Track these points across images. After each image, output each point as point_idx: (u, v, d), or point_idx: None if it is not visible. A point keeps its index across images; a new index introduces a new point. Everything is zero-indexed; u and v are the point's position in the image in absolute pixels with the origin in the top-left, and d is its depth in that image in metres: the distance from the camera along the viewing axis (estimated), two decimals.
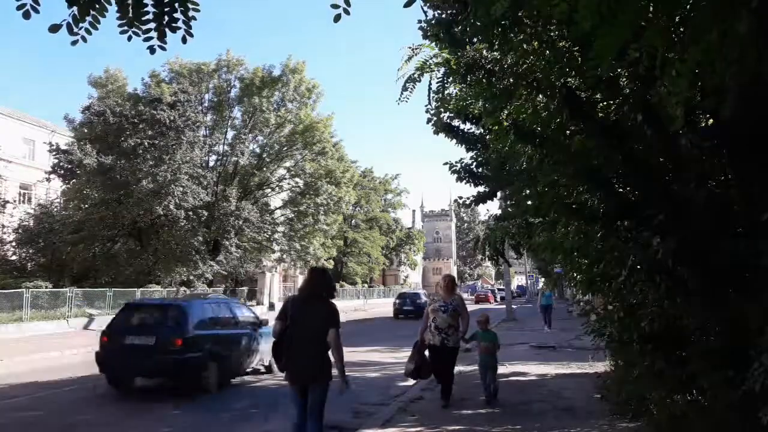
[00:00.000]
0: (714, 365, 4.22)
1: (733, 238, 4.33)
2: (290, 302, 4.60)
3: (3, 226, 27.04)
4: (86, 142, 25.71)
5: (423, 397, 7.77)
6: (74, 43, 2.90)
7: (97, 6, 2.82)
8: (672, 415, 5.16)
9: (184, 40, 3.06)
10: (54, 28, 2.77)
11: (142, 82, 31.84)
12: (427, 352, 7.07)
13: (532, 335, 16.84)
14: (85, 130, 27.17)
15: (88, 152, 24.66)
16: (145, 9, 2.89)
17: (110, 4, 2.87)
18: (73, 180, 26.78)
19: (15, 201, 28.03)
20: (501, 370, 10.43)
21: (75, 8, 2.77)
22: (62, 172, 26.12)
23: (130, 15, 2.88)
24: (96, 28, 2.91)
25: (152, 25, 2.93)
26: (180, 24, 2.99)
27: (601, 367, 8.82)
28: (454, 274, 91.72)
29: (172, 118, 25.92)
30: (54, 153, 25.74)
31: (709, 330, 4.60)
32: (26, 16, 2.73)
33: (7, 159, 31.65)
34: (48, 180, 26.76)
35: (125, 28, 2.95)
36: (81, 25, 2.84)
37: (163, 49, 3.03)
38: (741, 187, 4.33)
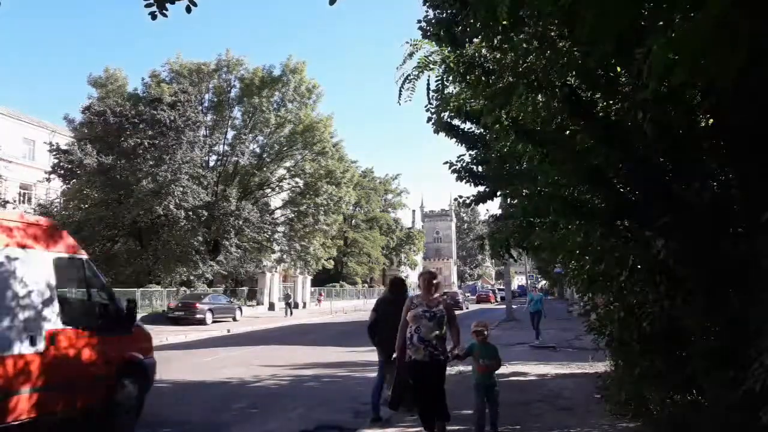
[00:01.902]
0: (714, 365, 4.22)
1: (733, 238, 4.34)
2: (381, 301, 6.82)
3: None
4: (86, 142, 25.71)
5: None
6: None
7: None
8: (672, 415, 5.16)
9: (188, 10, 3.09)
10: None
11: (142, 82, 31.93)
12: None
13: (532, 335, 16.83)
14: (85, 130, 27.18)
15: (88, 152, 24.66)
16: None
17: None
18: (73, 180, 26.78)
19: (15, 201, 27.99)
20: (501, 370, 10.43)
21: None
22: (62, 172, 26.11)
23: None
24: None
25: None
26: None
27: (601, 367, 8.82)
28: (454, 274, 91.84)
29: (172, 118, 25.92)
30: (54, 153, 25.72)
31: (710, 330, 4.60)
32: None
33: (7, 159, 31.65)
34: (48, 180, 26.74)
35: None
36: None
37: (164, 15, 3.05)
38: (741, 187, 4.33)
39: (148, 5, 3.03)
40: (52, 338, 5.40)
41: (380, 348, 6.59)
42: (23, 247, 5.38)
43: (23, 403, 5.09)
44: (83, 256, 6.39)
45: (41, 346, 5.27)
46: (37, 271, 5.47)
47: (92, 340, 5.94)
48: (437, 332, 5.10)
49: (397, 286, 6.96)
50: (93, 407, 5.95)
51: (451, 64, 5.25)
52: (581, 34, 2.99)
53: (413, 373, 5.14)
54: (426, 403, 5.18)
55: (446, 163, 7.54)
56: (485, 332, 5.78)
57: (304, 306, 40.29)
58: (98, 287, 6.58)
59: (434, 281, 5.38)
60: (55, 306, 5.59)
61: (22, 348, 5.09)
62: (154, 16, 3.14)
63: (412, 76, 5.65)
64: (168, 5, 3.05)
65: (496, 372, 5.88)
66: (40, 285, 5.45)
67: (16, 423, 5.05)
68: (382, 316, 6.49)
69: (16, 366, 5.03)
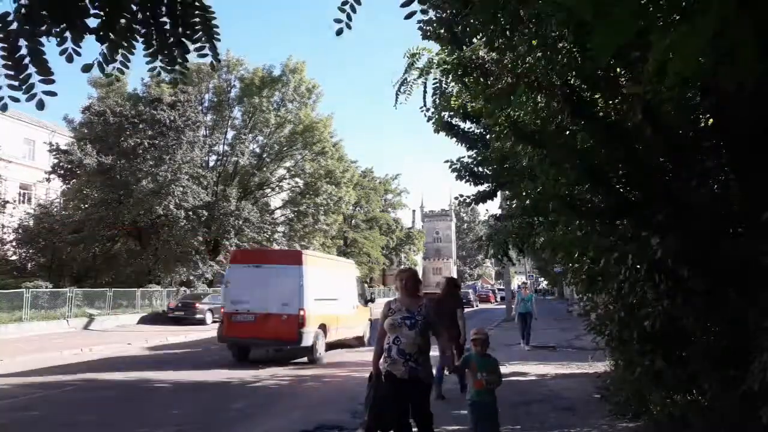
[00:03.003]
0: (714, 365, 4.22)
1: (733, 238, 4.34)
2: (436, 301, 7.89)
3: (3, 226, 27.03)
4: (86, 142, 25.68)
5: None
6: (107, 76, 3.09)
7: (125, 44, 2.93)
8: (672, 415, 5.16)
9: (213, 67, 3.22)
10: (86, 68, 2.90)
11: (142, 82, 31.85)
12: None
13: (532, 335, 16.81)
14: (85, 130, 27.15)
15: (88, 152, 24.65)
16: (169, 41, 3.01)
17: (136, 41, 2.97)
18: (73, 180, 26.77)
19: (15, 201, 27.98)
20: (500, 369, 10.42)
21: (105, 46, 2.87)
22: (62, 172, 26.10)
23: (155, 47, 3.00)
24: (127, 67, 3.02)
25: (175, 54, 3.06)
26: (207, 50, 3.12)
27: (601, 367, 8.83)
28: (454, 274, 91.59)
29: (172, 118, 25.92)
30: (54, 153, 25.70)
31: (710, 330, 4.60)
32: (69, 59, 2.83)
33: (7, 159, 31.64)
34: (48, 180, 26.73)
35: (150, 59, 3.06)
36: (112, 65, 2.98)
37: (184, 80, 3.15)
38: (741, 187, 4.33)
39: (171, 71, 3.14)
40: (355, 307, 14.39)
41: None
42: (350, 272, 15.44)
43: (348, 332, 13.94)
44: (359, 273, 16.98)
45: (353, 310, 14.30)
46: (353, 281, 15.02)
47: (363, 308, 15.15)
48: (421, 343, 4.18)
49: (450, 284, 8.66)
50: (361, 337, 14.75)
51: (449, 67, 5.27)
52: (583, 40, 2.99)
53: (386, 386, 4.18)
54: (388, 422, 4.22)
55: (447, 161, 7.57)
56: (485, 341, 4.81)
57: None
58: (362, 285, 16.22)
59: (416, 281, 4.45)
60: (356, 293, 14.81)
61: (350, 311, 13.98)
62: (175, 84, 3.21)
63: (410, 79, 5.68)
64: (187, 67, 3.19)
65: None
66: (354, 286, 14.93)
67: (341, 341, 13.64)
68: (438, 313, 7.16)
69: (349, 318, 13.86)
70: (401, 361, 4.12)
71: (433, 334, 4.30)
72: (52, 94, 2.68)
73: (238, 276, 11.98)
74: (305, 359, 11.99)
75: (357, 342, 14.66)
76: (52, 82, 2.66)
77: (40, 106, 2.63)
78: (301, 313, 11.15)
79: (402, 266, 68.24)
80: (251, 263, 12.19)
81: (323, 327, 12.08)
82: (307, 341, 11.38)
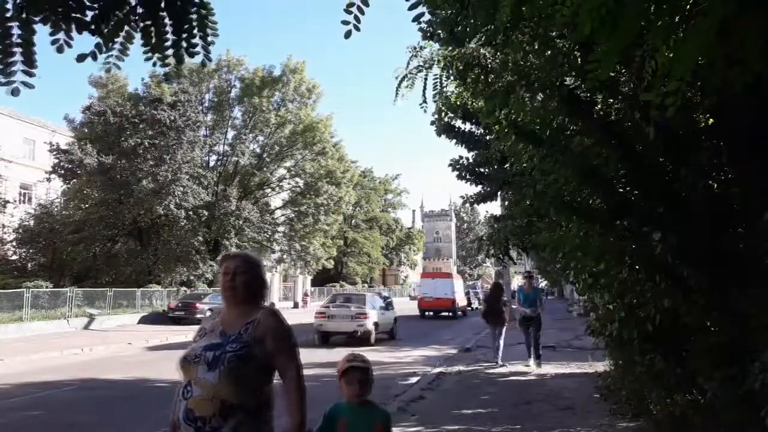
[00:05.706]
0: (714, 364, 4.23)
1: (733, 238, 4.34)
2: (486, 298, 12.57)
3: (3, 226, 27.03)
4: (87, 142, 25.67)
5: (424, 396, 7.78)
6: (108, 71, 3.05)
7: (121, 34, 2.91)
8: (672, 415, 5.17)
9: (203, 65, 3.25)
10: (81, 58, 2.87)
11: (142, 82, 31.78)
12: None
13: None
14: (86, 130, 27.15)
15: (89, 152, 24.64)
16: (166, 36, 2.97)
17: (135, 32, 2.95)
18: (74, 180, 26.76)
19: (15, 201, 27.98)
20: (501, 370, 10.49)
21: (99, 39, 2.86)
22: (62, 172, 26.07)
23: (153, 42, 2.98)
24: (126, 55, 2.99)
25: (171, 51, 3.02)
26: (199, 49, 3.07)
27: (601, 367, 8.84)
28: (454, 273, 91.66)
29: (172, 118, 25.90)
30: (54, 153, 25.67)
31: (710, 329, 4.60)
32: (60, 50, 2.82)
33: (8, 159, 31.64)
34: (48, 180, 26.70)
35: (149, 54, 3.05)
36: (109, 54, 2.96)
37: (178, 76, 3.11)
38: (741, 187, 4.33)
39: (164, 65, 3.06)
40: (465, 296, 35.28)
41: (490, 323, 11.70)
42: (459, 281, 35.61)
43: (460, 305, 32.36)
44: (461, 281, 38.91)
45: (462, 297, 33.34)
46: (461, 285, 35.65)
47: (464, 298, 34.72)
48: (229, 395, 2.17)
49: (497, 287, 12.41)
50: (464, 309, 33.39)
51: (448, 64, 5.26)
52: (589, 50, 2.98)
53: None
54: None
55: (451, 163, 7.61)
56: (364, 375, 2.54)
57: (305, 305, 40.47)
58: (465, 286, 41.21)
59: (250, 277, 2.40)
60: (462, 290, 34.93)
61: (464, 299, 34.55)
62: (168, 78, 3.17)
63: (410, 76, 5.68)
64: (184, 60, 3.12)
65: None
66: (462, 288, 35.15)
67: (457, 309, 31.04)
68: (488, 307, 11.92)
69: (462, 301, 33.39)
70: (191, 429, 2.20)
71: (278, 372, 2.30)
72: (30, 86, 2.69)
73: (425, 281, 31.77)
74: (306, 359, 11.96)
75: (462, 314, 30.89)
76: (33, 75, 2.68)
77: (16, 92, 2.65)
78: (453, 297, 29.29)
79: (402, 265, 68.14)
80: (431, 277, 32.84)
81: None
82: (456, 310, 29.56)
